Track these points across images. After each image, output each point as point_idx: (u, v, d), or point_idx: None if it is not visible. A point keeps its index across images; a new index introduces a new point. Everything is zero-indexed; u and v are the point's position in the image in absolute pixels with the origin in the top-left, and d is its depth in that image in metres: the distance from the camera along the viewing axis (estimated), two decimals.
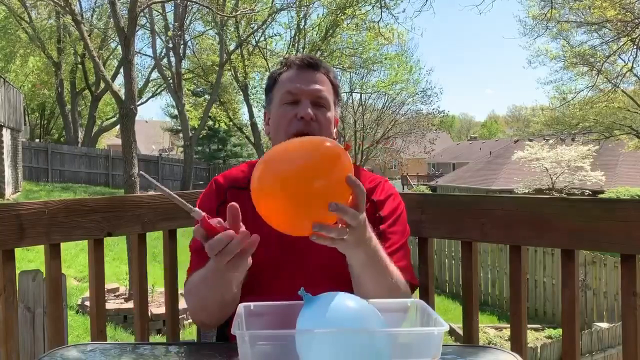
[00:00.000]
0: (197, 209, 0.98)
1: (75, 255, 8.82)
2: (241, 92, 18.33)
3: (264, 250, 1.29)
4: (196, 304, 1.25)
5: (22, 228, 1.55)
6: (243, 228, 1.01)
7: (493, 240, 1.72)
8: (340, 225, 1.02)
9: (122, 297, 6.97)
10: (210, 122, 20.14)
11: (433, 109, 26.65)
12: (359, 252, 1.11)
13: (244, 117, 24.14)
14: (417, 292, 1.81)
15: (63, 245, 1.68)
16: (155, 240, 5.74)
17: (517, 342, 1.63)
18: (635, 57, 16.05)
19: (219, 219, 1.00)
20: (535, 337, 8.42)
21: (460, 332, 1.85)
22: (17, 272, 1.67)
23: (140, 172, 1.00)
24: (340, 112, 1.47)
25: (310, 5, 16.24)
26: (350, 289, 1.30)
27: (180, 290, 2.00)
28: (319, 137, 1.02)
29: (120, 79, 19.56)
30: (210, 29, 18.40)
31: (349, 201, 1.00)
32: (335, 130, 1.39)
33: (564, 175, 19.27)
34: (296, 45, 17.30)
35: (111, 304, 6.60)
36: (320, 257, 1.29)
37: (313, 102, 1.31)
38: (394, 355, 0.90)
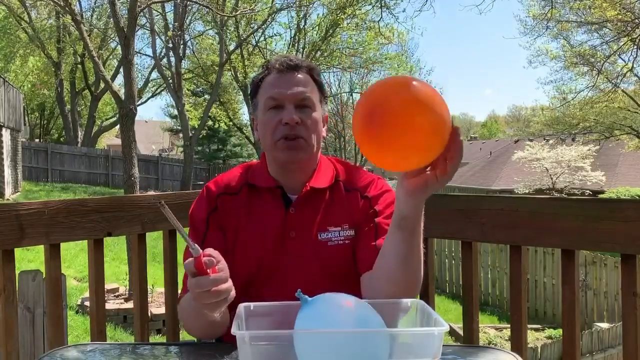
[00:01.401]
0: (196, 246, 0.97)
1: (75, 255, 8.82)
2: (241, 92, 18.34)
3: (259, 249, 1.30)
4: (187, 323, 1.28)
5: (22, 228, 1.55)
6: (225, 273, 1.00)
7: (493, 240, 1.72)
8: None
9: (122, 297, 6.96)
10: (210, 122, 20.14)
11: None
12: (420, 204, 1.09)
13: (244, 117, 24.20)
14: None
15: (63, 245, 1.68)
16: (155, 240, 5.74)
17: (517, 342, 1.63)
18: (636, 57, 16.04)
19: (212, 253, 0.99)
20: (535, 337, 8.42)
21: (461, 332, 1.85)
22: (17, 272, 1.67)
23: (160, 201, 0.99)
24: (329, 108, 1.47)
25: (310, 5, 16.24)
26: (345, 289, 1.30)
27: (180, 290, 2.00)
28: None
29: (120, 79, 19.58)
30: (210, 28, 18.41)
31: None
32: (324, 127, 1.39)
33: (564, 175, 19.25)
34: (296, 45, 17.31)
35: (111, 304, 6.59)
36: (316, 257, 1.30)
37: (297, 105, 1.30)
38: (395, 355, 0.90)
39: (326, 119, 1.41)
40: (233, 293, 1.01)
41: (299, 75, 1.33)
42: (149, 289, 1.96)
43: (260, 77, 1.37)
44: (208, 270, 0.97)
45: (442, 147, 0.96)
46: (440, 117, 0.93)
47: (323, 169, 1.38)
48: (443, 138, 0.95)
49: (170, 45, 15.46)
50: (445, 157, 0.99)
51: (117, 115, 13.94)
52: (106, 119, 27.46)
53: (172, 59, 15.87)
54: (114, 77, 20.35)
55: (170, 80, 15.26)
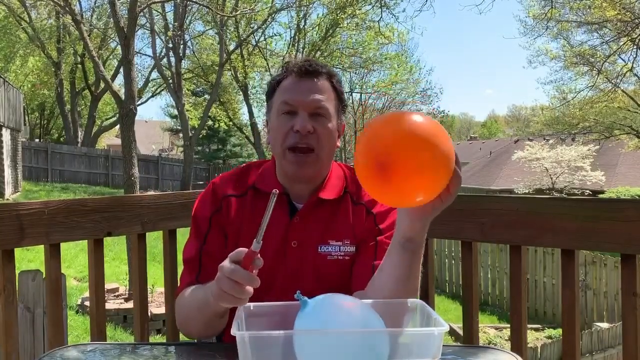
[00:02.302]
0: (262, 242, 0.99)
1: (75, 255, 8.82)
2: (241, 92, 18.35)
3: (259, 254, 1.29)
4: (187, 314, 1.28)
5: (22, 228, 1.55)
6: (258, 280, 1.02)
7: (493, 240, 1.72)
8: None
9: (122, 297, 6.96)
10: (210, 122, 20.15)
11: (433, 109, 26.70)
12: (426, 226, 1.07)
13: (244, 117, 24.18)
14: None
15: (63, 245, 1.68)
16: (155, 240, 5.73)
17: (517, 342, 1.63)
18: (635, 57, 16.05)
19: (259, 258, 1.00)
20: (535, 337, 8.42)
21: (461, 332, 1.85)
22: (17, 272, 1.67)
23: (275, 190, 1.03)
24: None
25: (310, 5, 16.24)
26: None
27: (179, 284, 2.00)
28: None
29: (120, 79, 19.57)
30: (210, 28, 18.43)
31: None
32: (340, 137, 1.34)
33: (564, 175, 19.25)
34: (296, 45, 17.32)
35: (111, 304, 6.59)
36: (314, 269, 1.29)
37: (311, 113, 1.26)
38: (395, 355, 0.90)
39: (343, 129, 1.36)
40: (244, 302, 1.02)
41: (317, 82, 1.27)
42: (149, 289, 1.96)
43: (278, 79, 1.32)
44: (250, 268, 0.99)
45: (448, 181, 0.97)
46: (449, 157, 0.94)
47: (333, 178, 1.34)
48: (450, 174, 0.96)
49: (170, 45, 15.46)
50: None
51: (117, 115, 13.94)
52: (106, 119, 27.45)
53: (172, 59, 15.87)
54: (114, 77, 20.34)
55: (170, 80, 15.27)
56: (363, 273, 1.23)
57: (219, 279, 1.01)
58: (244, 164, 1.43)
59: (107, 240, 1.88)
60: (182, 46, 16.17)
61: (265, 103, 1.39)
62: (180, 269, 1.90)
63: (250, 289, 0.99)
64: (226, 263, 1.00)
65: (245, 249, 0.99)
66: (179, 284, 1.38)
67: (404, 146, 0.91)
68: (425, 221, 1.06)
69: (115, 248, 9.66)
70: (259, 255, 0.99)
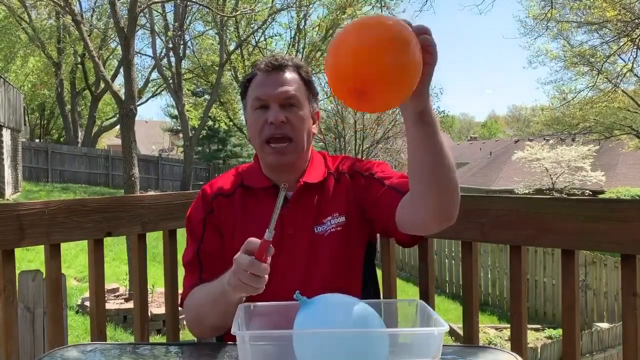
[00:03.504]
0: (274, 231, 1.03)
1: (75, 255, 8.82)
2: None
3: None
4: (196, 317, 1.29)
5: (22, 228, 1.55)
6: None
7: (493, 240, 1.72)
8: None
9: (122, 297, 6.96)
10: (210, 122, 20.14)
11: (433, 109, 26.62)
12: (427, 93, 1.04)
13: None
14: (417, 292, 1.82)
15: (63, 245, 1.68)
16: (155, 240, 5.73)
17: (517, 342, 1.63)
18: (635, 57, 16.05)
19: (272, 246, 1.05)
20: (535, 337, 8.42)
21: (461, 332, 1.85)
22: (17, 272, 1.67)
23: (284, 185, 1.08)
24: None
25: (310, 6, 16.24)
26: (345, 278, 1.31)
27: (181, 290, 2.00)
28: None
29: (120, 79, 19.58)
30: (210, 29, 18.42)
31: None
32: (314, 125, 1.40)
33: (564, 175, 19.25)
34: (296, 45, 17.30)
35: (111, 304, 6.59)
36: (313, 250, 1.32)
37: (282, 104, 1.32)
38: (395, 355, 0.90)
39: (317, 116, 1.42)
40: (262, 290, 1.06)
41: (284, 75, 1.35)
42: (149, 289, 1.96)
43: (248, 78, 1.40)
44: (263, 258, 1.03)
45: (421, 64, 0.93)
46: (408, 50, 0.90)
47: (315, 164, 1.41)
48: (418, 57, 0.92)
49: (170, 45, 15.47)
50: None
51: (117, 115, 13.95)
52: (106, 119, 27.44)
53: (172, 59, 15.88)
54: (114, 77, 20.33)
55: (170, 81, 15.27)
56: (386, 199, 1.27)
57: (236, 272, 1.04)
58: (230, 169, 1.49)
59: (107, 240, 1.88)
60: (182, 46, 16.19)
61: (241, 103, 1.46)
62: (180, 269, 1.91)
63: (267, 277, 1.04)
64: (242, 256, 1.04)
65: (255, 239, 1.03)
66: (181, 290, 1.40)
67: (370, 67, 0.88)
68: (424, 90, 1.02)
69: (115, 248, 9.66)
70: (271, 244, 1.03)
